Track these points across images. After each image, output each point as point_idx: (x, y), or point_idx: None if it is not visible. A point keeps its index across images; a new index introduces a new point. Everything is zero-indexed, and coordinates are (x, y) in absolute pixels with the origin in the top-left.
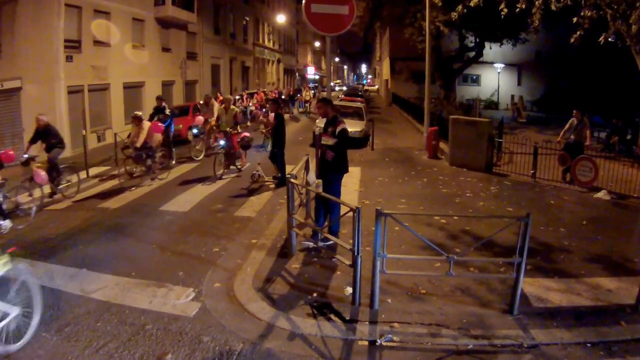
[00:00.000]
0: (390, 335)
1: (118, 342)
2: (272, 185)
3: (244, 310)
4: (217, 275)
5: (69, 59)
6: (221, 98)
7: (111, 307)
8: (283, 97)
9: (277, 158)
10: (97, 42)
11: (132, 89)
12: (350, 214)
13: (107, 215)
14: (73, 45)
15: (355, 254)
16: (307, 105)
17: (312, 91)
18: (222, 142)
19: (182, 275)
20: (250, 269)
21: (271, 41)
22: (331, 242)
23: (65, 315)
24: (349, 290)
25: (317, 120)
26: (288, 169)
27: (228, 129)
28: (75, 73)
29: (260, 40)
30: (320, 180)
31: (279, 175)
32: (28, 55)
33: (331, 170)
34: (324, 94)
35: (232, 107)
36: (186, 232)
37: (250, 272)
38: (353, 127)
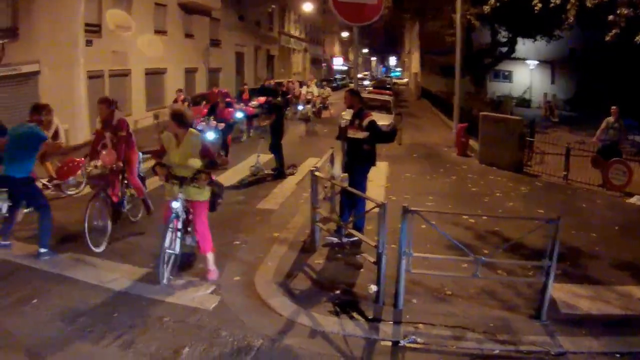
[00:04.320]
0: (414, 337)
1: (134, 333)
2: (291, 176)
3: (264, 305)
4: (237, 269)
5: (88, 43)
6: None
7: (128, 298)
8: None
9: (276, 150)
10: (118, 27)
11: (154, 75)
12: (376, 209)
13: None
14: (93, 30)
15: (380, 251)
16: (310, 107)
17: (318, 87)
18: (175, 204)
19: (201, 268)
20: (272, 263)
21: (297, 30)
22: (355, 238)
23: (80, 305)
24: (373, 288)
25: (342, 113)
26: (312, 162)
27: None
28: (95, 58)
29: (286, 29)
30: (345, 174)
31: (282, 165)
32: (46, 39)
33: (359, 164)
34: (328, 90)
35: (191, 131)
36: None
37: (271, 267)
38: (380, 120)
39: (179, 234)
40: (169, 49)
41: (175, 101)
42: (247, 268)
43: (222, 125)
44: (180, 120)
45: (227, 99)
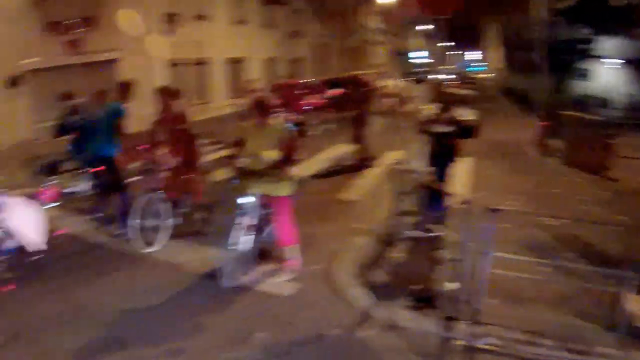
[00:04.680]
0: (487, 338)
1: (208, 315)
2: (371, 168)
3: (341, 295)
4: (316, 258)
5: (167, 32)
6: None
7: (204, 280)
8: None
9: (359, 141)
10: (197, 16)
11: (233, 65)
12: (458, 205)
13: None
14: (172, 19)
15: (461, 248)
16: (389, 101)
17: (397, 80)
18: (243, 200)
19: (281, 257)
20: (351, 254)
21: (378, 22)
22: (435, 233)
23: (155, 284)
24: (450, 285)
25: (424, 106)
26: (394, 155)
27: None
28: (174, 46)
29: (367, 21)
30: (428, 169)
31: (364, 157)
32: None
33: (441, 159)
34: (407, 84)
35: (271, 121)
36: None
37: (350, 257)
38: (462, 115)
39: (249, 231)
40: (249, 39)
41: (249, 91)
42: (326, 257)
43: (294, 118)
44: (261, 108)
45: (300, 91)
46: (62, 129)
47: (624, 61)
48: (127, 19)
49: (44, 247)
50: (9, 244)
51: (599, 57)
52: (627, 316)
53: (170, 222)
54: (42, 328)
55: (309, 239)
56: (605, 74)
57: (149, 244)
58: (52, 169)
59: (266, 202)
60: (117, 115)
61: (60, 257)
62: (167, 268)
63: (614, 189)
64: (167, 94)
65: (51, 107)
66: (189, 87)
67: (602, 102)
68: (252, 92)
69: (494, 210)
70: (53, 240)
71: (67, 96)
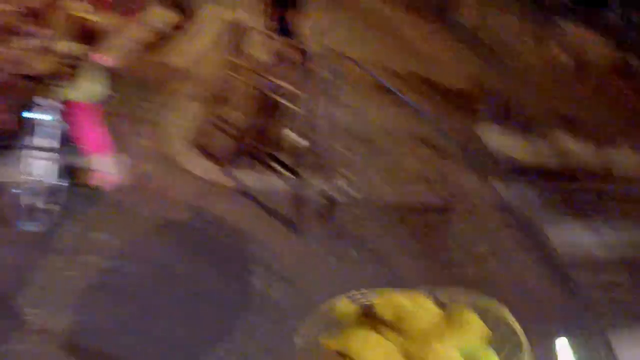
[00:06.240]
0: (344, 187)
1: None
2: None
3: (181, 169)
4: (148, 134)
5: None
6: None
7: None
8: None
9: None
10: None
11: None
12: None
13: None
14: None
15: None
16: None
17: None
18: None
19: None
20: (184, 122)
21: None
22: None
23: None
24: (297, 138)
25: None
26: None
27: None
28: None
29: None
30: None
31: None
32: None
33: None
34: None
35: None
36: None
37: (184, 126)
38: None
39: (50, 152)
40: None
41: None
42: (159, 132)
43: None
44: None
45: None
46: None
47: None
48: None
49: None
50: None
51: None
52: None
53: None
54: None
55: (136, 117)
56: None
57: None
58: None
59: (68, 111)
60: None
61: None
62: None
63: None
64: None
65: None
66: None
67: None
68: None
69: (344, 58)
70: None
71: None
